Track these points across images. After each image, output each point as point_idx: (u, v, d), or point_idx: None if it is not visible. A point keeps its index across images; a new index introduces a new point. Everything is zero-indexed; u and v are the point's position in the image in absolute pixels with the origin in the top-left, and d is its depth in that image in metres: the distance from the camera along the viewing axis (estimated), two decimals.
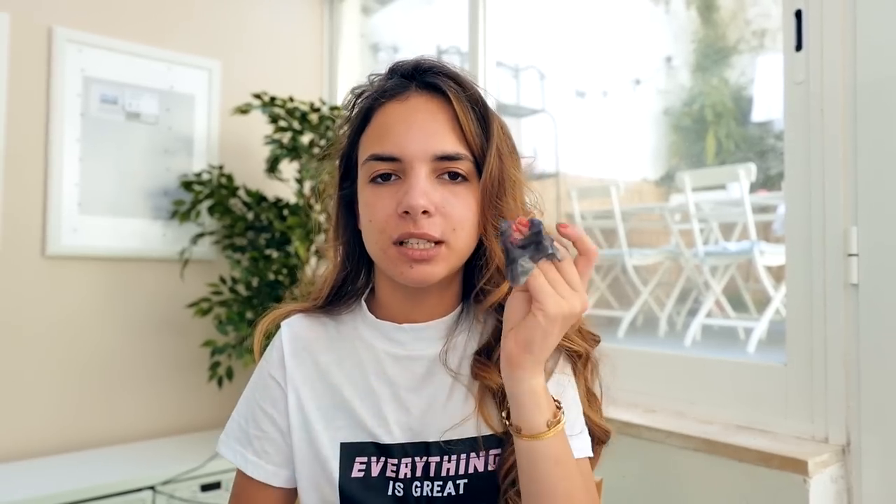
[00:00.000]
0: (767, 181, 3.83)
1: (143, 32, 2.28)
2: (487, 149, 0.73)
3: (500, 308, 0.74)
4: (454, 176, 0.72)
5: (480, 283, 0.76)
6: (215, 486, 1.98)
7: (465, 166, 0.73)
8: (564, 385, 0.78)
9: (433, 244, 0.71)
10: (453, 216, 0.71)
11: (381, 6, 2.91)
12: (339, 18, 2.74)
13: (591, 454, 0.77)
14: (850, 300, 1.22)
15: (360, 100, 0.80)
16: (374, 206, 0.73)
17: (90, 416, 2.15)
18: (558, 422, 0.66)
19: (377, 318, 0.80)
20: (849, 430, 1.22)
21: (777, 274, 2.87)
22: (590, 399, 0.82)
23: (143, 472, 1.88)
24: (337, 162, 0.82)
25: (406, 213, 0.70)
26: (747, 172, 2.78)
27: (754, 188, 3.23)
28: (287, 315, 0.85)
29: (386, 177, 0.73)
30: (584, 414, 0.79)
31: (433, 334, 0.78)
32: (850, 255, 1.21)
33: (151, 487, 1.86)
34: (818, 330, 1.26)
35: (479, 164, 0.74)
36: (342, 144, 0.81)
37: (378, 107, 0.76)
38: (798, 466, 1.17)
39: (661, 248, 3.50)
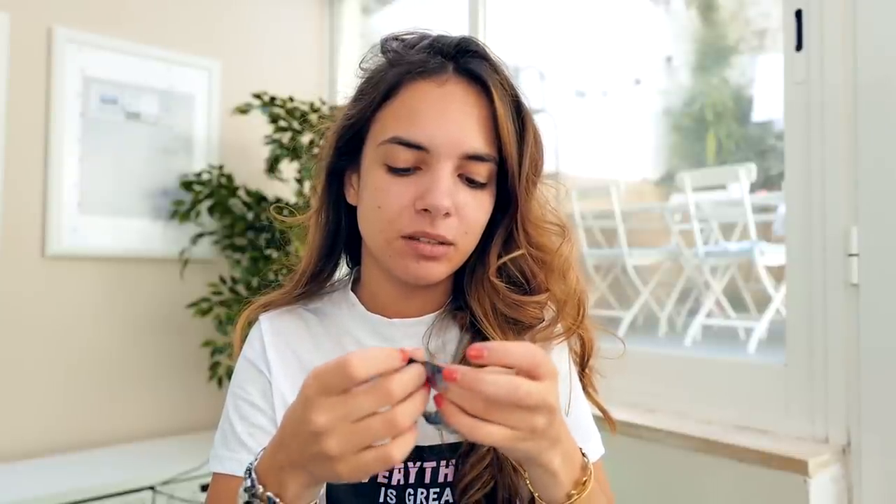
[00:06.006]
0: (767, 181, 3.82)
1: (143, 32, 2.27)
2: (522, 155, 0.69)
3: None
4: (472, 182, 0.67)
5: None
6: None
7: (487, 169, 0.68)
8: (576, 390, 0.77)
9: (442, 243, 0.67)
10: (468, 219, 0.67)
11: (381, 6, 2.91)
12: (339, 18, 2.73)
13: (603, 451, 0.76)
14: (850, 300, 1.22)
15: (390, 67, 0.69)
16: (388, 194, 0.66)
17: (90, 416, 2.15)
18: (585, 486, 0.59)
19: (367, 310, 0.75)
20: (849, 430, 1.22)
21: (777, 274, 2.87)
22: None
23: (143, 472, 1.88)
24: (341, 126, 0.72)
25: (425, 210, 0.65)
26: (747, 172, 2.78)
27: (754, 188, 3.23)
28: (264, 307, 0.77)
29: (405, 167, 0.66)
30: (597, 403, 0.78)
31: (424, 330, 0.73)
32: (851, 255, 1.21)
33: (151, 487, 1.86)
34: (818, 330, 1.26)
35: (501, 168, 0.69)
36: (354, 110, 0.71)
37: (409, 82, 0.67)
38: (798, 466, 1.17)
39: (661, 248, 3.49)
